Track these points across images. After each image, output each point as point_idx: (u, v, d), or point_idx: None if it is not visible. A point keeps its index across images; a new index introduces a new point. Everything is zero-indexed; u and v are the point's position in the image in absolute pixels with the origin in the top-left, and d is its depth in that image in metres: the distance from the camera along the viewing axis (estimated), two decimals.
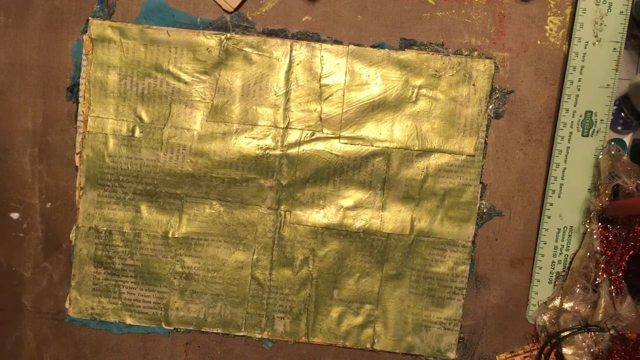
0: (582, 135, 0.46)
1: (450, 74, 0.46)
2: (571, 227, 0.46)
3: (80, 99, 0.47)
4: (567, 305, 0.46)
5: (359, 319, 0.47)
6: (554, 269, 0.46)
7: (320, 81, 0.46)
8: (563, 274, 0.46)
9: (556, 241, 0.46)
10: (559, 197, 0.46)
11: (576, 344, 0.46)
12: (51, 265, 0.48)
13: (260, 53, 0.46)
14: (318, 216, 0.47)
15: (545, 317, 0.47)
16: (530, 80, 0.47)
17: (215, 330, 0.48)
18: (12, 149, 0.48)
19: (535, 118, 0.47)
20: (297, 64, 0.46)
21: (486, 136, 0.47)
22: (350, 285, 0.47)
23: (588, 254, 0.45)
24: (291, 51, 0.46)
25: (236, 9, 0.46)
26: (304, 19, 0.47)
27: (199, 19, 0.47)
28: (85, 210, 0.47)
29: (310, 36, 0.47)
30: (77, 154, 0.47)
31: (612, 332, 0.45)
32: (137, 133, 0.47)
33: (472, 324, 0.48)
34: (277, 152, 0.47)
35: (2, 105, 0.47)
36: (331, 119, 0.47)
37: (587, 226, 0.46)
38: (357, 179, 0.47)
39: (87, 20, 0.47)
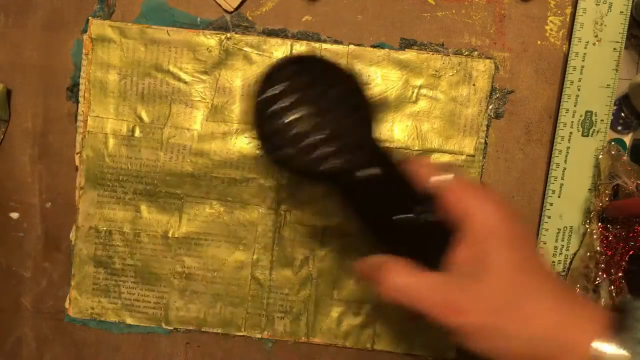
0: (582, 135, 0.46)
1: (451, 74, 0.46)
2: (571, 227, 0.46)
3: (80, 99, 0.47)
4: None
5: (359, 319, 0.47)
6: (554, 269, 0.46)
7: None
8: (563, 274, 0.46)
9: (556, 241, 0.46)
10: (559, 197, 0.46)
11: None
12: (51, 265, 0.48)
13: (260, 53, 0.46)
14: (318, 216, 0.47)
15: None
16: (530, 80, 0.47)
17: (215, 330, 0.48)
18: (12, 149, 0.48)
19: (535, 118, 0.47)
20: None
21: (486, 136, 0.47)
22: (350, 285, 0.47)
23: (588, 254, 0.45)
24: (291, 51, 0.46)
25: (236, 9, 0.46)
26: (304, 19, 0.47)
27: (199, 18, 0.47)
28: (85, 210, 0.47)
29: (310, 36, 0.46)
30: (77, 153, 0.47)
31: None
32: (137, 133, 0.47)
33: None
34: None
35: None
36: None
37: (587, 226, 0.46)
38: None
39: (87, 20, 0.47)
